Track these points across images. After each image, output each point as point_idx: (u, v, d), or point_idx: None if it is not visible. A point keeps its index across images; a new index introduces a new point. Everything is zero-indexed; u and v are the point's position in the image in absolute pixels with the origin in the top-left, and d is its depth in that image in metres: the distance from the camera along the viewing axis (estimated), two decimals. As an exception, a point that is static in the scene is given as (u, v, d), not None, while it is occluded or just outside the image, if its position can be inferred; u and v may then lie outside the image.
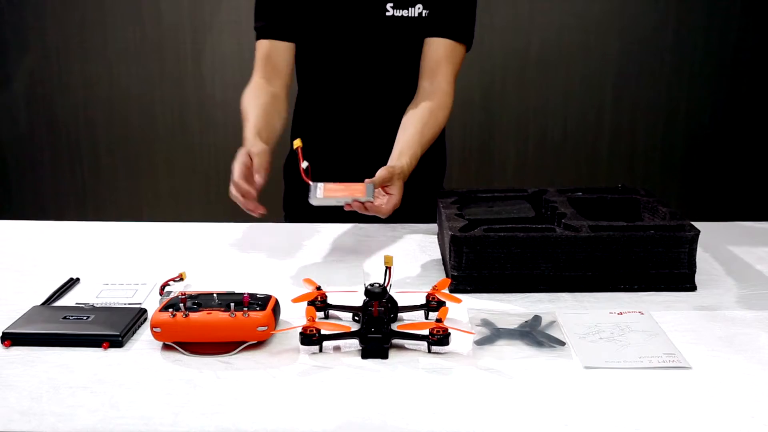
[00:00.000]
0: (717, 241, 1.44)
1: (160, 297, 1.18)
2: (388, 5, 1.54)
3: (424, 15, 1.55)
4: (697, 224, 1.25)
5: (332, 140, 1.67)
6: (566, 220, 1.26)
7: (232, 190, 1.31)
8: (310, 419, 0.85)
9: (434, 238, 1.50)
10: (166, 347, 1.03)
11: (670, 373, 0.96)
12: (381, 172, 1.34)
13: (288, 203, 1.78)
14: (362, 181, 1.33)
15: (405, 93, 1.62)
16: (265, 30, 1.58)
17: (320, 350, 1.01)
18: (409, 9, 1.54)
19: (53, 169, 2.97)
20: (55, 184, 2.99)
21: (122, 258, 1.41)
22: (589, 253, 1.21)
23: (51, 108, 2.90)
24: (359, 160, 1.65)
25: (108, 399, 0.90)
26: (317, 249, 1.45)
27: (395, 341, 1.02)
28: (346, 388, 0.92)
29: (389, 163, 1.40)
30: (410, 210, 1.66)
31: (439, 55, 1.55)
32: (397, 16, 1.54)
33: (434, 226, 1.55)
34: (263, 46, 1.59)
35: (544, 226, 1.25)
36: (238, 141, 1.37)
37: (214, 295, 1.07)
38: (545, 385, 0.93)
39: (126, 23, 2.79)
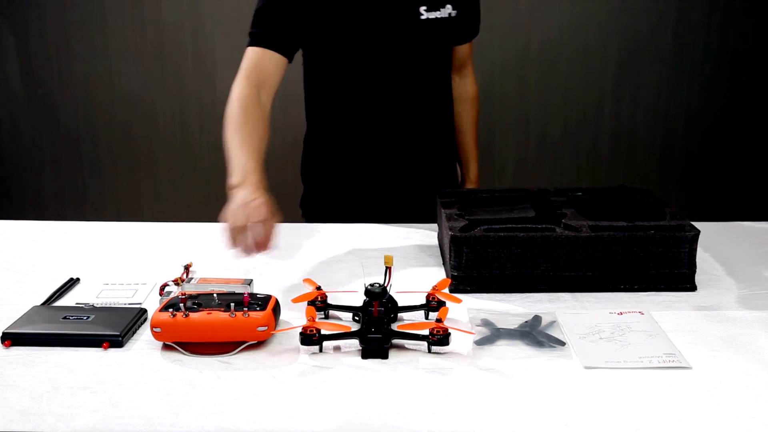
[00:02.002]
0: (717, 241, 1.44)
1: (160, 297, 1.18)
2: (422, 8, 1.54)
3: (452, 15, 1.59)
4: (697, 224, 1.25)
5: (363, 146, 1.66)
6: (566, 220, 1.26)
7: (248, 239, 1.18)
8: (310, 419, 0.85)
9: (434, 238, 1.50)
10: (166, 347, 1.03)
11: (670, 373, 0.96)
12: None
13: (306, 204, 1.77)
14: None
15: (435, 92, 1.66)
16: (263, 38, 1.50)
17: (320, 350, 1.01)
18: (441, 10, 1.56)
19: (53, 169, 2.97)
20: (55, 184, 2.98)
21: (122, 258, 1.41)
22: (589, 253, 1.21)
23: (51, 108, 2.90)
24: (391, 162, 1.67)
25: (108, 399, 0.90)
26: (317, 249, 1.45)
27: (395, 341, 1.02)
28: (346, 388, 0.92)
29: (467, 176, 1.87)
30: (410, 210, 1.66)
31: (465, 54, 1.76)
32: (431, 19, 1.56)
33: (434, 226, 1.55)
34: (255, 54, 1.50)
35: (544, 226, 1.25)
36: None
37: (214, 295, 1.07)
38: (545, 385, 0.93)
39: (126, 23, 2.79)
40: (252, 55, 1.51)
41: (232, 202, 1.23)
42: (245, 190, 1.25)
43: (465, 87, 1.81)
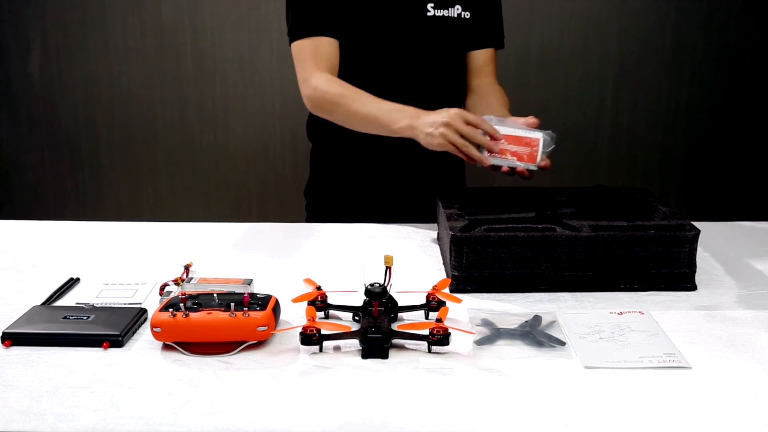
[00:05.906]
0: (717, 241, 1.44)
1: (160, 297, 1.18)
2: (429, 5, 1.54)
3: (464, 16, 1.58)
4: (697, 224, 1.25)
5: (372, 142, 1.65)
6: (566, 219, 1.26)
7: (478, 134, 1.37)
8: (310, 419, 0.85)
9: (434, 238, 1.50)
10: (166, 347, 1.03)
11: (670, 373, 0.96)
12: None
13: (311, 192, 1.76)
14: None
15: (444, 93, 1.64)
16: (310, 27, 1.51)
17: (320, 350, 1.01)
18: (449, 9, 1.56)
19: (53, 169, 2.97)
20: (55, 184, 2.98)
21: (122, 258, 1.41)
22: (590, 253, 1.21)
23: (51, 108, 2.90)
24: (400, 159, 1.66)
25: (108, 399, 0.90)
26: (317, 249, 1.45)
27: (395, 341, 1.02)
28: (346, 388, 0.92)
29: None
30: (410, 210, 1.66)
31: (486, 58, 1.68)
32: (438, 16, 1.55)
33: (434, 226, 1.54)
34: (309, 44, 1.52)
35: (544, 225, 1.25)
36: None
37: (214, 295, 1.07)
38: (545, 385, 0.93)
39: (126, 23, 2.79)
40: (307, 46, 1.51)
41: (432, 123, 1.37)
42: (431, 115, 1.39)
43: (484, 88, 1.67)
